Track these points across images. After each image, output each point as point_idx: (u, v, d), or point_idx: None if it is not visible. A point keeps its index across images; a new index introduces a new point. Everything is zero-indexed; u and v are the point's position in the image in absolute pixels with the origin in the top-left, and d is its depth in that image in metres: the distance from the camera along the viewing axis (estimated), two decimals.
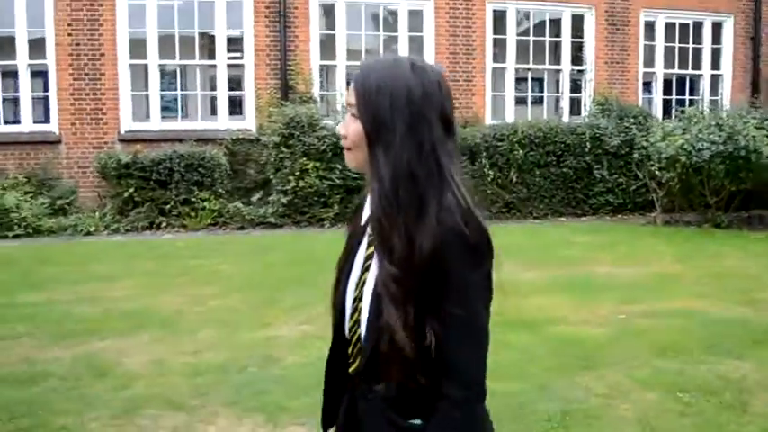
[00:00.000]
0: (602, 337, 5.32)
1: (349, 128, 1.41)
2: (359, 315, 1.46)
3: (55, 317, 5.86)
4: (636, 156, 11.18)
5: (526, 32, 13.10)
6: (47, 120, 11.65)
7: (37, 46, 11.39)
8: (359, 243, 1.52)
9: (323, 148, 10.62)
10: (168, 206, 10.70)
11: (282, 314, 5.89)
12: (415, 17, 12.33)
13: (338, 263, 1.59)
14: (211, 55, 12.31)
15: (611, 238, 9.46)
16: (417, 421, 1.40)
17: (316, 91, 12.00)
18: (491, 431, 1.45)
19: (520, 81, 13.11)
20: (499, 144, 11.18)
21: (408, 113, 1.34)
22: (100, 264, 8.05)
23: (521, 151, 11.12)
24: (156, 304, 6.20)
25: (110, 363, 4.74)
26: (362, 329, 1.43)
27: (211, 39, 12.16)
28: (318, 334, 5.37)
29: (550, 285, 6.88)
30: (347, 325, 1.50)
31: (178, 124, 11.99)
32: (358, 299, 1.47)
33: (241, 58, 11.96)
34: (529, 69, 13.07)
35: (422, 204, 1.33)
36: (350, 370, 1.51)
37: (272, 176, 11.00)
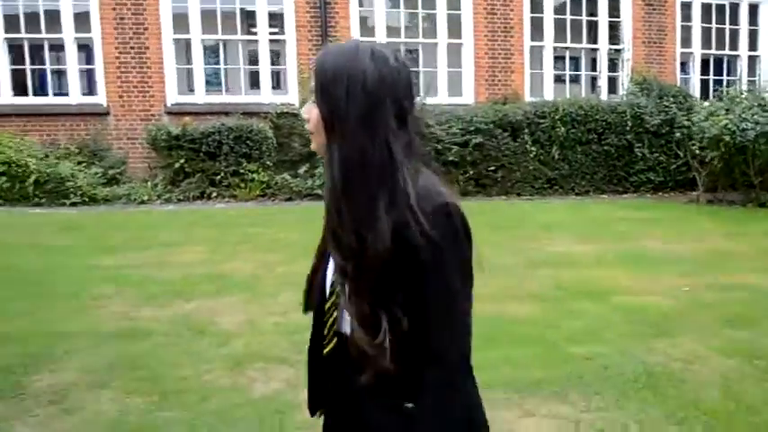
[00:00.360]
0: (669, 308, 5.50)
1: (311, 113, 1.40)
2: (336, 299, 1.45)
3: (135, 279, 6.11)
4: (677, 135, 11.30)
5: (563, 11, 13.15)
6: (92, 92, 11.87)
7: (82, 19, 11.58)
8: None
9: None
10: (218, 177, 10.95)
11: None
12: None
13: (318, 247, 1.57)
14: (251, 31, 12.45)
15: (657, 215, 9.63)
16: (409, 405, 1.38)
17: None
18: (479, 404, 1.44)
19: (557, 59, 13.20)
20: (541, 121, 11.34)
21: (363, 103, 1.31)
22: (162, 231, 8.30)
23: (562, 128, 11.27)
24: (229, 269, 6.44)
25: (204, 322, 4.99)
26: (340, 315, 1.44)
27: (251, 14, 12.30)
28: None
29: (606, 259, 7.06)
30: (325, 306, 1.50)
31: (222, 98, 12.18)
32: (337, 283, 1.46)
33: (282, 33, 12.11)
34: (566, 48, 13.14)
35: (372, 195, 1.30)
36: (324, 351, 1.51)
37: None
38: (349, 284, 1.35)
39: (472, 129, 11.14)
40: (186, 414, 3.58)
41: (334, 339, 1.48)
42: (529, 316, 5.25)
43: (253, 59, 12.62)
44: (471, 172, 11.29)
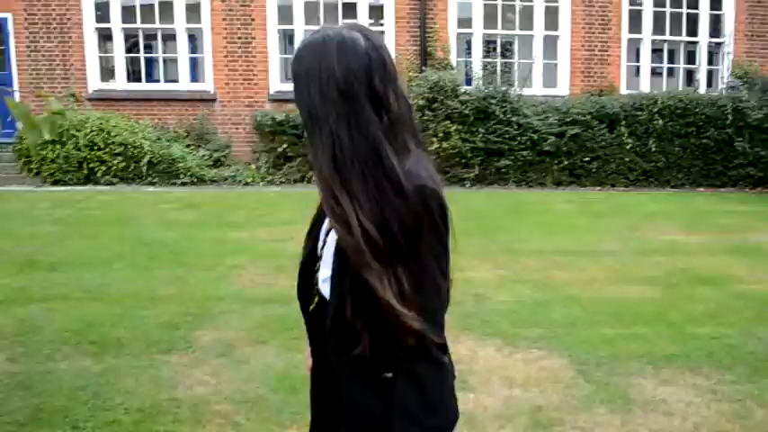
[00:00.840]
0: None
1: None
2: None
3: (265, 252, 6.55)
4: None
5: (662, 3, 13.03)
6: (199, 79, 12.49)
7: (193, 11, 12.18)
8: None
9: (466, 112, 11.01)
10: None
11: (470, 260, 6.37)
12: None
13: (309, 231, 1.61)
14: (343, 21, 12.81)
15: (762, 209, 9.54)
16: (389, 374, 1.43)
17: (453, 58, 12.37)
18: (449, 383, 1.47)
19: (652, 52, 13.09)
20: (638, 113, 11.32)
21: (338, 100, 1.33)
22: (277, 209, 8.76)
23: (660, 121, 11.23)
24: None
25: None
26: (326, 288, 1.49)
27: (352, 6, 12.64)
28: (514, 278, 5.86)
29: (714, 249, 7.11)
30: (315, 266, 1.55)
31: None
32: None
33: (382, 25, 12.44)
34: (664, 41, 13.03)
35: (361, 182, 1.33)
36: (309, 308, 1.57)
37: None
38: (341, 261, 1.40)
39: (569, 120, 11.22)
40: None
41: (317, 298, 1.54)
42: (648, 298, 5.41)
43: None
44: (566, 162, 11.38)
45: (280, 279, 5.66)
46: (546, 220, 8.48)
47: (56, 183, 11.18)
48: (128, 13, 12.07)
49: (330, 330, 1.45)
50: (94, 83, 12.18)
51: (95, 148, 11.13)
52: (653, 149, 11.36)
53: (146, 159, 11.17)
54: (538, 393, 3.64)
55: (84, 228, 7.66)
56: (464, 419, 3.27)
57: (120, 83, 12.23)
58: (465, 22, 12.49)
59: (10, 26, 11.92)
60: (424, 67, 11.87)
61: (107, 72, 12.42)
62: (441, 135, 11.10)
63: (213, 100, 12.15)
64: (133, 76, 12.48)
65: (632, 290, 5.58)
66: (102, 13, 12.07)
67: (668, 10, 12.80)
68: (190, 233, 7.34)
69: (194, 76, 12.65)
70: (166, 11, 12.09)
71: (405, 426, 1.37)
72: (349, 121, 1.33)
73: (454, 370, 1.53)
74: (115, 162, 11.15)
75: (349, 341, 1.41)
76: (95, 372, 3.84)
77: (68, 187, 10.93)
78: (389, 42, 12.32)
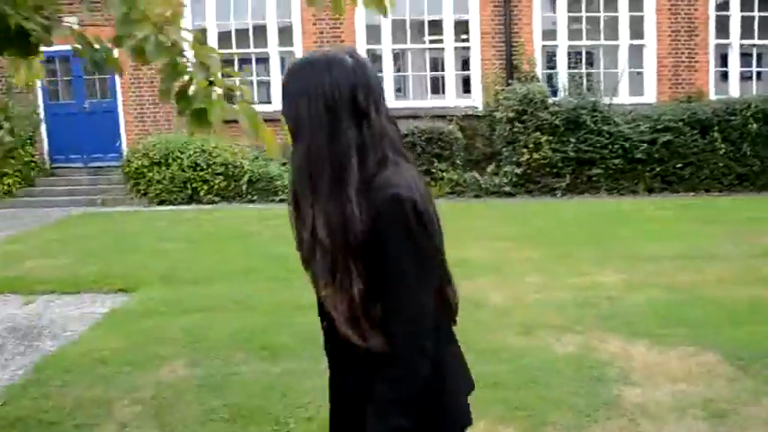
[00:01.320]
0: None
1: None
2: None
3: None
4: None
5: (749, 7, 12.90)
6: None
7: (285, 34, 12.67)
8: None
9: (556, 122, 11.15)
10: None
11: (589, 266, 6.52)
12: None
13: None
14: (430, 39, 13.09)
15: None
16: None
17: (539, 71, 12.53)
18: (423, 387, 1.49)
19: (741, 56, 12.98)
20: (731, 118, 11.26)
21: (323, 112, 1.44)
22: None
23: (755, 125, 11.14)
24: (469, 254, 7.01)
25: (478, 298, 5.54)
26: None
27: (438, 23, 12.93)
28: (641, 281, 5.98)
29: None
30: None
31: (409, 102, 12.92)
32: None
33: (467, 41, 12.70)
34: (753, 45, 12.90)
35: (324, 191, 1.45)
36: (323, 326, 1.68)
37: (503, 149, 11.68)
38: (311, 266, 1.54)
39: (660, 127, 11.24)
40: (507, 366, 4.14)
41: (325, 322, 1.64)
42: None
43: (433, 66, 13.27)
44: (658, 169, 11.39)
45: None
46: (650, 228, 8.54)
47: (161, 203, 11.77)
48: (224, 39, 12.64)
49: (327, 349, 1.65)
50: None
51: (198, 168, 11.68)
52: (747, 153, 11.27)
53: (245, 178, 11.67)
54: (704, 387, 3.77)
55: (207, 244, 8.10)
56: (639, 412, 3.47)
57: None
58: (549, 34, 12.64)
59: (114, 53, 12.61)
60: (510, 81, 12.08)
61: None
62: (531, 146, 11.26)
63: None
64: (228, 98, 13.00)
65: (758, 290, 5.63)
66: (201, 38, 12.63)
67: (756, 14, 12.68)
68: None
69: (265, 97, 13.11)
70: (260, 35, 12.62)
71: (373, 422, 1.47)
72: (329, 132, 1.44)
73: (458, 375, 1.64)
74: (217, 181, 11.68)
75: (346, 357, 1.57)
76: (276, 374, 4.14)
77: (174, 207, 11.50)
78: (475, 57, 12.58)
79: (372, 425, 1.47)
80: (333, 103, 1.45)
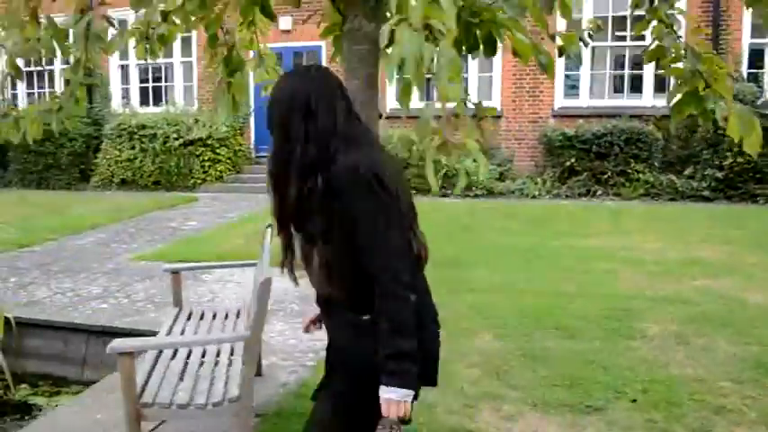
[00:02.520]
0: None
1: None
2: None
3: (625, 259, 7.10)
4: None
5: None
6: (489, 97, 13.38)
7: None
8: None
9: (766, 125, 10.88)
10: (605, 176, 11.79)
11: None
12: None
13: None
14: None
15: None
16: (366, 317, 1.91)
17: (744, 69, 12.26)
18: (419, 316, 1.92)
19: None
20: None
21: (296, 112, 1.94)
22: (593, 222, 9.32)
23: None
24: (699, 254, 7.17)
25: (731, 296, 5.73)
26: None
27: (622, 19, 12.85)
28: None
29: None
30: None
31: (605, 101, 12.97)
32: None
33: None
34: None
35: (288, 173, 1.96)
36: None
37: (703, 151, 11.55)
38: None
39: None
40: None
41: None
42: None
43: (618, 64, 13.24)
44: None
45: (663, 283, 6.17)
46: None
47: None
48: None
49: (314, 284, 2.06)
50: (391, 102, 13.52)
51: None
52: None
53: (442, 172, 12.19)
54: None
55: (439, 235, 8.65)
56: None
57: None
58: (761, 32, 12.27)
59: (323, 54, 13.54)
60: None
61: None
62: (736, 149, 11.07)
63: (499, 116, 12.99)
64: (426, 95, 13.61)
65: None
66: None
67: None
68: (530, 240, 8.08)
69: (482, 94, 13.55)
70: None
71: (384, 349, 1.85)
72: (303, 125, 1.93)
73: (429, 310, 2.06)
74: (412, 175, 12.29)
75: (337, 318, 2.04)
76: (583, 350, 4.55)
77: None
78: None
79: (381, 357, 1.86)
80: (288, 108, 1.96)
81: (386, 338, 1.86)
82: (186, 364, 3.37)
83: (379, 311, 1.87)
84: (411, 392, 1.87)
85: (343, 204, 1.89)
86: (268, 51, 4.33)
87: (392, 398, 1.85)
